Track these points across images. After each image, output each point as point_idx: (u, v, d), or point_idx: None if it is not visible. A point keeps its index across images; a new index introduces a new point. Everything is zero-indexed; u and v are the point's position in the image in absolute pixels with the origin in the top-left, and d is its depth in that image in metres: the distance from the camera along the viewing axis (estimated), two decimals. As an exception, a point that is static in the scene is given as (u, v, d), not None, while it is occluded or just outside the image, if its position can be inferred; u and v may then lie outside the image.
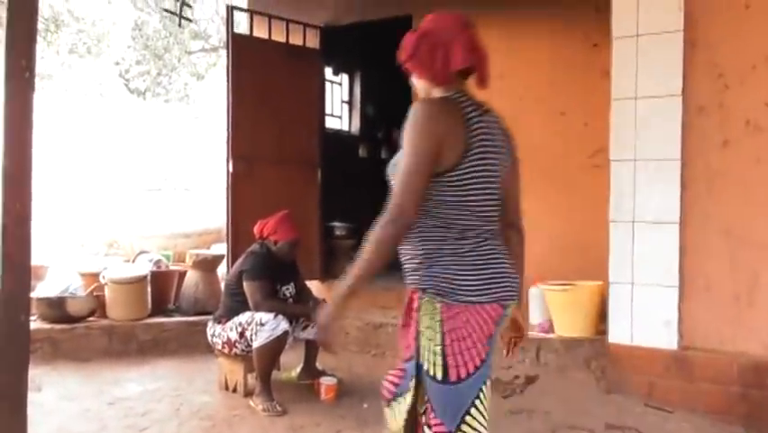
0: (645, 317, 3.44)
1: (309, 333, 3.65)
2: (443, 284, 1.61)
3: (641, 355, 3.44)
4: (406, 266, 1.71)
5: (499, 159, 1.71)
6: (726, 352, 3.24)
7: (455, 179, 1.62)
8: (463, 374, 1.60)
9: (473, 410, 1.62)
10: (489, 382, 1.67)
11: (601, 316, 3.87)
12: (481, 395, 1.63)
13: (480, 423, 1.63)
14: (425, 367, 1.62)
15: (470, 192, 1.64)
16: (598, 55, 4.11)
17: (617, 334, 3.53)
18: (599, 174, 3.86)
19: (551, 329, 4.15)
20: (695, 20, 3.28)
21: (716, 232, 3.28)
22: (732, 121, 3.25)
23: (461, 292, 1.60)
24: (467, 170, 1.62)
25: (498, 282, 1.65)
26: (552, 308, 4.15)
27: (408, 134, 1.61)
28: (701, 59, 3.28)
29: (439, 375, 1.60)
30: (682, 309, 3.35)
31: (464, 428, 1.62)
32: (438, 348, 1.60)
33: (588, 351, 3.90)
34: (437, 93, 1.71)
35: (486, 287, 1.63)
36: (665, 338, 3.38)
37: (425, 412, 1.65)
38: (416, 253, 1.67)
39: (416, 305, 1.65)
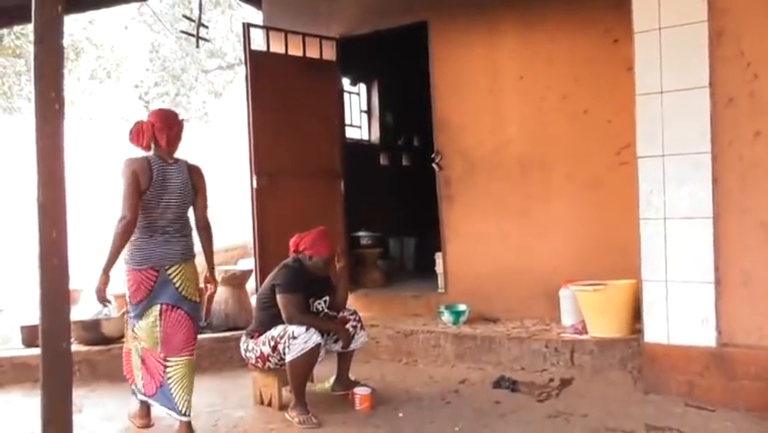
0: (682, 314, 3.38)
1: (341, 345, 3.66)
2: (129, 258, 3.10)
3: (679, 354, 3.38)
4: None
5: (178, 191, 3.14)
6: (768, 347, 3.16)
7: (145, 200, 3.05)
8: (134, 301, 3.16)
9: (139, 321, 3.19)
10: (159, 307, 3.15)
11: (635, 315, 3.81)
12: (145, 312, 3.15)
13: (139, 327, 3.20)
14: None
15: (152, 208, 3.08)
16: (619, 51, 4.06)
17: (653, 333, 3.47)
18: (627, 171, 3.81)
19: (584, 330, 4.09)
20: (719, 9, 3.22)
21: (752, 225, 3.21)
22: (763, 111, 3.18)
23: (132, 262, 3.10)
24: (150, 196, 3.06)
25: (154, 258, 3.10)
26: (584, 308, 4.09)
27: (120, 173, 3.04)
28: (728, 49, 3.22)
29: (127, 299, 3.20)
30: (720, 306, 3.28)
31: (136, 327, 3.21)
32: (126, 289, 3.17)
33: (623, 351, 3.85)
34: (149, 153, 3.15)
35: (144, 260, 3.09)
36: (703, 336, 3.32)
37: None
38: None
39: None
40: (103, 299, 3.14)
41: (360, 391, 3.52)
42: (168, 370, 3.14)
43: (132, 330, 3.25)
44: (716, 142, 3.26)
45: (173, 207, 3.13)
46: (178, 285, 3.14)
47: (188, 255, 3.22)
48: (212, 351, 4.52)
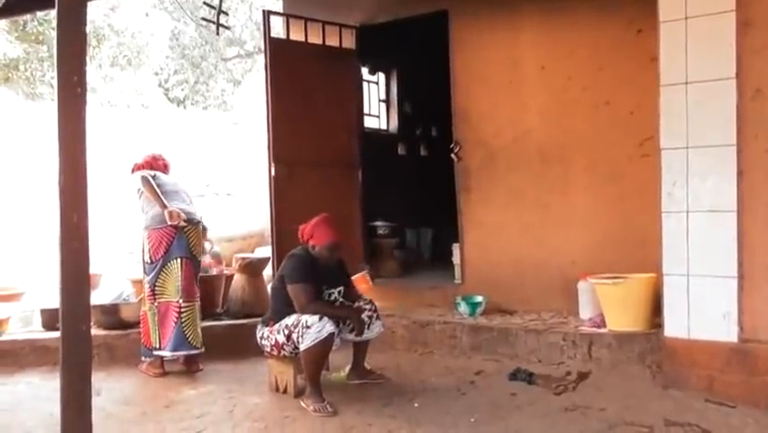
0: (703, 309, 3.33)
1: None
2: (150, 222, 4.06)
3: (699, 349, 3.33)
4: None
5: (172, 183, 4.23)
6: (791, 344, 3.11)
7: (157, 183, 4.13)
8: (154, 259, 4.03)
9: (160, 276, 4.02)
10: (180, 260, 4.07)
11: (655, 309, 3.76)
12: (165, 268, 4.03)
13: (162, 280, 4.03)
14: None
15: (161, 190, 4.10)
16: (642, 41, 3.99)
17: (673, 327, 3.42)
18: (649, 163, 3.75)
19: (602, 324, 4.05)
20: (748, -1, 3.15)
21: (777, 220, 3.15)
22: (792, 103, 3.10)
23: (153, 224, 4.04)
24: (158, 184, 4.10)
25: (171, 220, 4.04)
26: (603, 302, 4.05)
27: (139, 179, 4.12)
28: (756, 40, 3.14)
29: (146, 260, 4.08)
30: (742, 301, 3.22)
31: (158, 282, 4.03)
32: (146, 248, 4.06)
33: (642, 345, 3.80)
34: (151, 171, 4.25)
35: (163, 220, 3.98)
36: (724, 331, 3.26)
37: None
38: None
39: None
40: (179, 216, 3.98)
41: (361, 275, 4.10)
42: (182, 314, 4.01)
43: (154, 288, 4.03)
44: (741, 135, 3.19)
45: (178, 194, 4.21)
46: (191, 241, 4.10)
47: (196, 218, 4.18)
48: (228, 338, 4.54)
